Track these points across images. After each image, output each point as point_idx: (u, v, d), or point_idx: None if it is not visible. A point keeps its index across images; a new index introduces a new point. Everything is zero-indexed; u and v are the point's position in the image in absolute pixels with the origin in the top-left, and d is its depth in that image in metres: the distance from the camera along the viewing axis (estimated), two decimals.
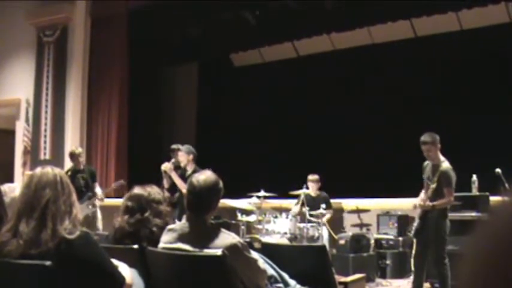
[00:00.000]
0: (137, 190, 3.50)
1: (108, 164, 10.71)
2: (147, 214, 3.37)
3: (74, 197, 2.73)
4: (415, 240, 6.17)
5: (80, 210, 2.77)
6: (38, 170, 2.74)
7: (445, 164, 5.83)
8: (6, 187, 4.07)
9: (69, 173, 7.65)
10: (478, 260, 0.61)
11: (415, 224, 5.99)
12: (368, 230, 8.18)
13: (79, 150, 8.38)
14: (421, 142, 5.85)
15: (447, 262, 5.73)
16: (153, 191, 3.51)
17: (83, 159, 8.34)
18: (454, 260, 5.86)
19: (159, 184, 7.15)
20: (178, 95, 13.23)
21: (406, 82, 10.42)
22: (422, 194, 6.02)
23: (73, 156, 8.25)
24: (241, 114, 12.37)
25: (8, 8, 11.26)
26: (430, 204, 5.73)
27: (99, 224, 7.98)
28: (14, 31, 11.24)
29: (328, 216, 8.23)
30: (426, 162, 6.03)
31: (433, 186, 5.79)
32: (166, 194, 3.73)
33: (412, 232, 6.04)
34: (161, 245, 3.22)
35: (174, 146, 8.09)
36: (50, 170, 2.72)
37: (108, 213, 7.90)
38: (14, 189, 4.13)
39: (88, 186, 7.99)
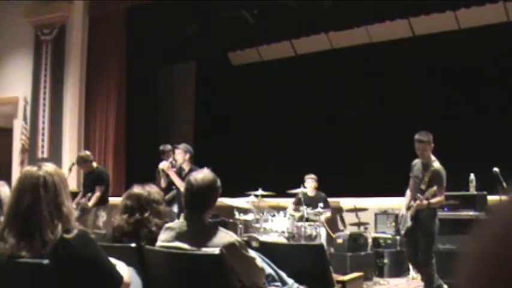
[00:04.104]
0: (137, 189, 3.46)
1: (106, 162, 10.70)
2: (146, 214, 3.34)
3: (64, 195, 2.58)
4: (405, 240, 6.13)
5: (73, 208, 2.67)
6: (23, 172, 2.62)
7: (437, 164, 5.75)
8: None
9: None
10: (478, 260, 0.61)
11: (407, 223, 5.83)
12: (366, 229, 8.19)
13: (81, 154, 8.51)
14: (416, 140, 5.71)
15: (434, 262, 5.70)
16: (152, 190, 3.47)
17: (89, 162, 8.37)
18: (452, 259, 5.85)
19: (157, 183, 7.16)
20: (176, 94, 13.23)
21: (404, 81, 10.42)
22: (408, 193, 5.98)
23: (76, 163, 8.51)
24: (238, 112, 12.37)
25: (6, 6, 11.24)
26: (426, 202, 5.62)
27: (101, 222, 8.00)
28: (12, 29, 11.22)
29: (326, 215, 8.24)
30: (415, 161, 5.93)
31: (423, 186, 5.71)
32: (161, 193, 3.68)
33: (403, 231, 5.91)
34: (159, 243, 3.22)
35: (164, 148, 8.17)
36: (33, 172, 2.56)
37: (107, 211, 7.93)
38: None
39: (90, 187, 8.04)
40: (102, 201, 8.14)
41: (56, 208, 2.52)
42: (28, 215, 2.48)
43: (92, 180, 8.20)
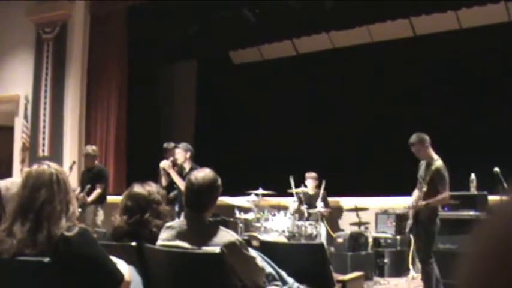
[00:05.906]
0: (137, 189, 3.42)
1: (107, 161, 10.70)
2: (147, 216, 3.31)
3: (71, 194, 2.67)
4: (412, 237, 6.22)
5: (76, 207, 2.73)
6: (34, 169, 2.65)
7: (438, 162, 5.75)
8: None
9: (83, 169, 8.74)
10: (478, 260, 0.61)
11: (409, 222, 5.92)
12: (366, 228, 8.19)
13: (87, 150, 8.55)
14: (409, 144, 5.83)
15: (433, 261, 5.72)
16: (153, 190, 3.43)
17: (94, 158, 8.47)
18: (451, 259, 5.84)
19: (157, 182, 7.15)
20: (177, 93, 13.23)
21: (405, 81, 10.41)
22: (415, 193, 5.99)
23: (84, 155, 8.59)
24: (239, 112, 12.36)
25: (8, 4, 11.24)
26: (423, 203, 5.65)
27: (99, 221, 8.01)
28: (14, 28, 11.22)
29: (326, 214, 8.24)
30: (422, 161, 5.99)
31: (425, 187, 5.71)
32: (163, 191, 3.67)
33: (407, 229, 6.04)
34: (160, 242, 3.22)
35: (168, 145, 8.16)
36: (45, 169, 2.62)
37: (107, 210, 7.92)
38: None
39: (90, 184, 8.04)
40: (101, 200, 8.13)
41: (65, 204, 2.58)
42: (42, 210, 2.52)
43: (91, 177, 8.20)
